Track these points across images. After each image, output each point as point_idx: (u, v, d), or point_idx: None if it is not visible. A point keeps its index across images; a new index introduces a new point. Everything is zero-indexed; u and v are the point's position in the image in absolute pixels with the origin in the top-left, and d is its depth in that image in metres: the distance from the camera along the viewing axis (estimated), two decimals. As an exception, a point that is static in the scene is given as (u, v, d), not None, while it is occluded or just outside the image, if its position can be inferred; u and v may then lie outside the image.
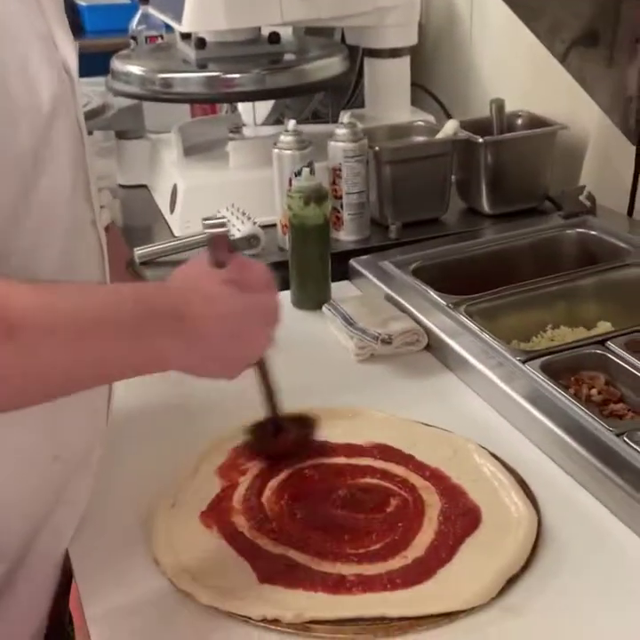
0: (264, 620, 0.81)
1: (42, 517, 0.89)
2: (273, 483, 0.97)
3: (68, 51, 0.81)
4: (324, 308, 1.34)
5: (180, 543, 0.90)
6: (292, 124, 1.52)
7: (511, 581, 0.84)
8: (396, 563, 0.86)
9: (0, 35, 0.73)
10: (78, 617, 1.19)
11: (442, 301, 1.28)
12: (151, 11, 1.89)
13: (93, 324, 0.72)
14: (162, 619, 0.83)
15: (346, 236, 1.55)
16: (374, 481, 0.97)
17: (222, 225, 0.85)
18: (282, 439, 1.00)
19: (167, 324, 0.76)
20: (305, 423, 1.03)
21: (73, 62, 0.83)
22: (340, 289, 1.41)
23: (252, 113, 2.00)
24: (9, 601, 0.89)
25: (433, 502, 0.93)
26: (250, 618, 0.81)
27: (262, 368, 0.95)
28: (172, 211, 1.65)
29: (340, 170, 1.52)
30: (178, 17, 1.56)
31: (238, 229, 1.50)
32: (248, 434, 1.01)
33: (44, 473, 0.88)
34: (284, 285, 1.43)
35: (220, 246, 0.85)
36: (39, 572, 0.91)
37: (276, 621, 0.80)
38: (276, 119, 2.08)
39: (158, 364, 0.78)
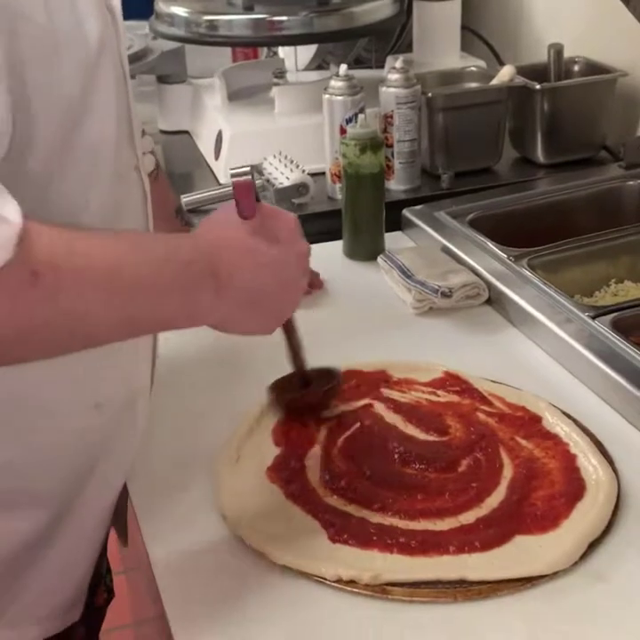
0: (339, 581, 0.78)
1: (87, 469, 0.88)
2: (340, 440, 0.94)
3: None
4: (379, 259, 1.30)
5: (247, 499, 0.88)
6: (343, 68, 1.47)
7: (592, 546, 0.81)
8: (472, 523, 0.83)
9: None
10: (117, 564, 1.20)
11: (502, 254, 1.24)
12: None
13: (122, 273, 0.68)
14: (232, 576, 0.81)
15: (396, 185, 1.51)
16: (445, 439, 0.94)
17: (248, 173, 0.81)
18: (310, 393, 0.98)
19: (200, 279, 0.73)
20: (330, 376, 1.00)
21: (116, 1, 0.80)
22: (393, 240, 1.37)
23: (294, 58, 1.94)
24: (51, 551, 0.88)
25: (507, 462, 0.90)
26: (324, 578, 0.79)
27: (288, 323, 0.92)
28: (216, 157, 1.61)
29: (391, 117, 1.47)
30: (226, -44, 1.50)
31: (287, 177, 1.46)
32: (274, 389, 0.99)
33: (86, 421, 0.86)
34: (336, 235, 1.39)
35: (247, 196, 0.80)
36: (84, 524, 0.90)
37: (351, 582, 0.78)
38: (317, 64, 2.02)
39: (191, 320, 0.76)
